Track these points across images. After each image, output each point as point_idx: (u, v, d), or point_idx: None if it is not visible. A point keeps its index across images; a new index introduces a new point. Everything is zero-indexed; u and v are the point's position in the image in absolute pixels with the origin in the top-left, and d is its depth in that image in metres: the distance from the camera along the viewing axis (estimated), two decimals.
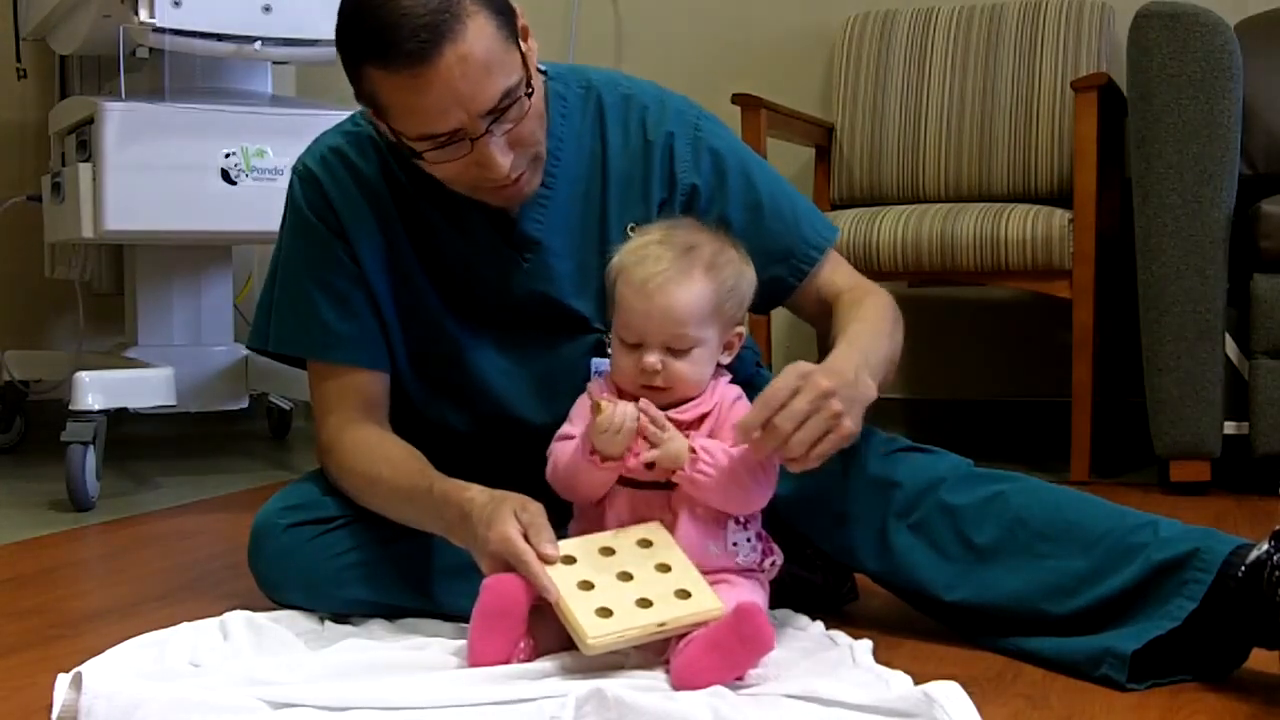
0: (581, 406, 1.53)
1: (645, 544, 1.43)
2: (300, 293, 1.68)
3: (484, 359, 1.67)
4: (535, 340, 1.67)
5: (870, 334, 1.56)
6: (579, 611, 1.35)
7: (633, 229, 1.64)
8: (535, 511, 1.42)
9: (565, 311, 1.65)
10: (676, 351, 1.47)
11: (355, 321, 1.66)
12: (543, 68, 1.64)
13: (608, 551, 1.42)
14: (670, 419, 1.47)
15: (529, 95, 1.50)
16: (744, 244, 1.57)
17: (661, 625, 1.36)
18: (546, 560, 1.38)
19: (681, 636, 1.37)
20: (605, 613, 1.35)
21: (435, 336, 1.68)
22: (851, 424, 1.41)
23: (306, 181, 1.67)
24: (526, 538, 1.38)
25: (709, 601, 1.38)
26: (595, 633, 1.33)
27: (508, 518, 1.40)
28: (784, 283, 1.68)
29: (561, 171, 1.64)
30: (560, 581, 1.37)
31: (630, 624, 1.35)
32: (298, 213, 1.68)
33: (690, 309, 1.46)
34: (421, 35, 1.41)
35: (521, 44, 1.51)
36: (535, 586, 1.37)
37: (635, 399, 1.47)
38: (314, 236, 1.66)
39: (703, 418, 1.49)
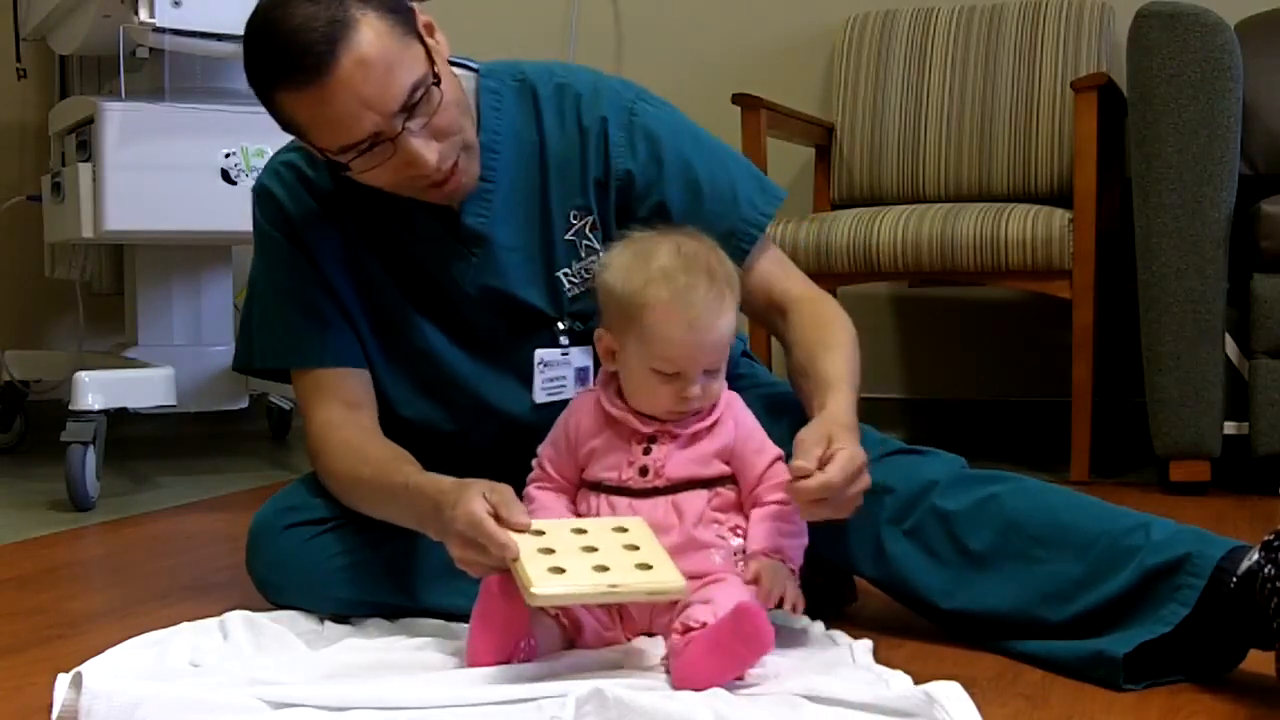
0: (545, 450, 1.54)
1: (620, 530, 1.43)
2: (270, 306, 1.71)
3: (449, 352, 1.69)
4: (493, 332, 1.68)
5: (853, 376, 1.57)
6: (530, 565, 1.33)
7: (575, 216, 1.65)
8: (504, 490, 1.41)
9: (516, 303, 1.66)
10: (711, 372, 1.49)
11: (325, 325, 1.67)
12: (475, 65, 1.67)
13: (580, 531, 1.42)
14: (669, 430, 1.49)
15: (437, 85, 1.51)
16: (685, 225, 1.59)
17: (614, 587, 1.34)
18: (516, 529, 1.36)
19: (682, 635, 1.37)
20: (558, 571, 1.34)
21: (403, 333, 1.69)
22: (868, 478, 1.45)
23: (263, 197, 1.71)
24: (498, 516, 1.37)
25: (670, 575, 1.36)
26: (541, 584, 1.31)
27: (475, 498, 1.39)
28: None
29: (501, 164, 1.65)
30: (521, 544, 1.35)
31: (581, 581, 1.33)
32: (259, 229, 1.72)
33: (729, 334, 1.49)
34: (318, 48, 1.44)
35: (426, 39, 1.52)
36: (493, 547, 1.35)
37: (635, 412, 1.49)
38: (276, 249, 1.69)
39: (700, 432, 1.50)
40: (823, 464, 1.41)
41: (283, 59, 1.46)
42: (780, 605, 1.44)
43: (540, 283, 1.66)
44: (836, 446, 1.42)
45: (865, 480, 1.44)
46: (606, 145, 1.65)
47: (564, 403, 1.59)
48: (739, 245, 1.66)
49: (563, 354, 1.66)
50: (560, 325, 1.67)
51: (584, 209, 1.66)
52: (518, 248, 1.66)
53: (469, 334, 1.69)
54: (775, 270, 1.71)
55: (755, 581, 1.44)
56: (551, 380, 1.65)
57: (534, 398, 1.66)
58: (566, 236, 1.66)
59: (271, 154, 1.75)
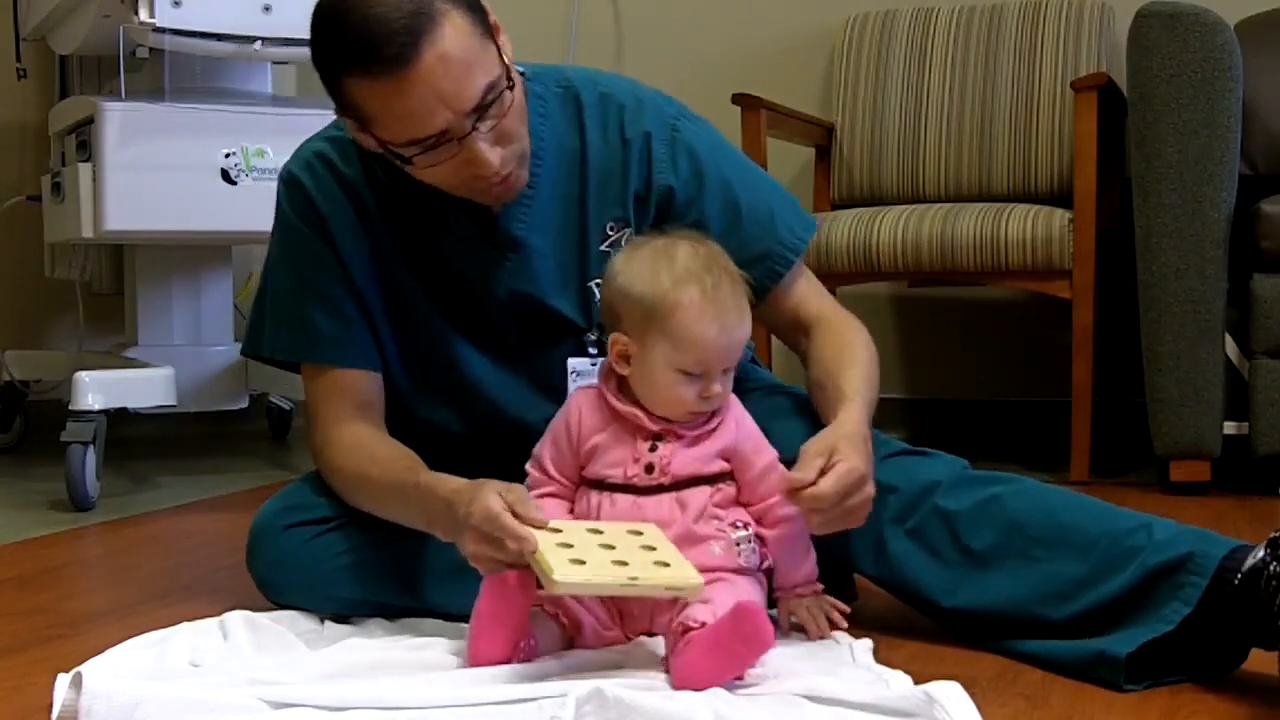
0: (545, 451, 1.54)
1: (635, 533, 1.43)
2: (289, 296, 1.69)
3: (470, 357, 1.68)
4: (518, 339, 1.68)
5: (869, 390, 1.60)
6: (550, 555, 1.33)
7: (611, 228, 1.65)
8: (519, 489, 1.42)
9: (546, 311, 1.66)
10: (728, 371, 1.50)
11: (343, 322, 1.66)
12: (521, 68, 1.65)
13: (596, 531, 1.42)
14: (678, 432, 1.50)
15: (510, 89, 1.51)
16: (720, 245, 1.60)
17: (633, 580, 1.34)
18: (534, 525, 1.37)
19: (682, 634, 1.37)
20: (579, 563, 1.34)
21: (424, 335, 1.68)
22: (872, 488, 1.48)
23: (291, 187, 1.69)
24: (514, 513, 1.37)
25: (688, 573, 1.37)
26: (563, 572, 1.32)
27: (491, 495, 1.39)
28: (759, 285, 1.66)
29: (544, 171, 1.64)
30: (539, 538, 1.35)
31: (602, 572, 1.34)
32: (284, 218, 1.70)
33: (749, 330, 1.50)
34: (400, 39, 1.42)
35: (496, 40, 1.52)
36: (511, 541, 1.35)
37: (669, 423, 1.49)
38: (300, 240, 1.67)
39: (705, 434, 1.51)
40: (820, 476, 1.43)
41: (361, 46, 1.44)
42: (832, 626, 1.50)
43: (572, 292, 1.66)
44: (836, 459, 1.44)
45: (867, 491, 1.46)
46: (649, 159, 1.65)
47: None
48: (773, 268, 1.68)
49: (593, 364, 1.65)
50: (590, 336, 1.66)
51: (622, 221, 1.66)
52: (552, 255, 1.65)
53: (494, 340, 1.68)
54: (806, 290, 1.73)
55: (799, 624, 1.51)
56: None
57: None
58: (602, 248, 1.66)
59: (299, 145, 1.73)
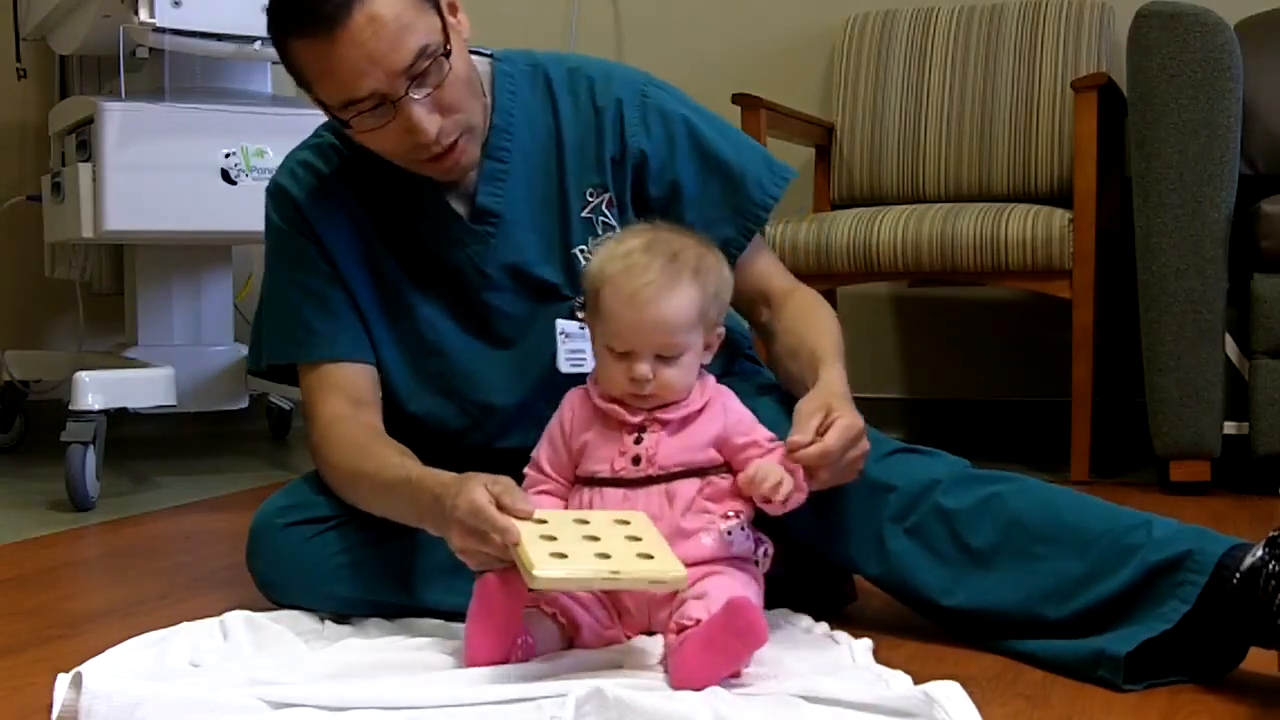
0: (541, 451, 1.54)
1: (622, 523, 1.43)
2: (282, 301, 1.72)
3: (461, 342, 1.70)
4: (508, 316, 1.70)
5: (843, 358, 1.63)
6: (532, 549, 1.33)
7: (591, 194, 1.68)
8: (505, 480, 1.42)
9: (534, 281, 1.68)
10: (666, 359, 1.48)
11: (333, 317, 1.68)
12: (489, 51, 1.71)
13: (582, 522, 1.42)
14: (657, 418, 1.50)
15: (447, 57, 1.53)
16: (696, 205, 1.67)
17: (615, 573, 1.34)
18: (519, 516, 1.37)
19: (680, 633, 1.37)
20: (560, 556, 1.34)
21: (413, 324, 1.70)
22: (867, 443, 1.52)
23: (277, 196, 1.73)
24: (500, 505, 1.37)
25: (671, 565, 1.37)
26: (543, 567, 1.31)
27: (477, 488, 1.39)
28: (734, 242, 1.71)
29: (515, 145, 1.68)
30: (523, 530, 1.35)
31: (583, 566, 1.34)
32: (273, 227, 1.73)
33: (680, 318, 1.48)
34: (333, 1, 1.47)
35: (447, 16, 1.56)
36: (494, 532, 1.35)
37: (621, 403, 1.50)
38: (289, 245, 1.70)
39: (689, 417, 1.51)
40: (821, 433, 1.45)
41: (297, 8, 1.50)
42: (774, 501, 1.44)
43: (557, 260, 1.69)
44: (835, 415, 1.47)
45: (864, 445, 1.49)
46: (622, 125, 1.69)
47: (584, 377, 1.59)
48: (746, 225, 1.72)
49: (581, 327, 1.67)
50: (577, 301, 1.68)
51: (600, 187, 1.69)
52: (534, 225, 1.68)
53: (482, 322, 1.70)
54: (771, 263, 1.78)
55: (750, 481, 1.46)
56: (574, 352, 1.67)
57: (559, 367, 1.67)
58: (583, 214, 1.69)
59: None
